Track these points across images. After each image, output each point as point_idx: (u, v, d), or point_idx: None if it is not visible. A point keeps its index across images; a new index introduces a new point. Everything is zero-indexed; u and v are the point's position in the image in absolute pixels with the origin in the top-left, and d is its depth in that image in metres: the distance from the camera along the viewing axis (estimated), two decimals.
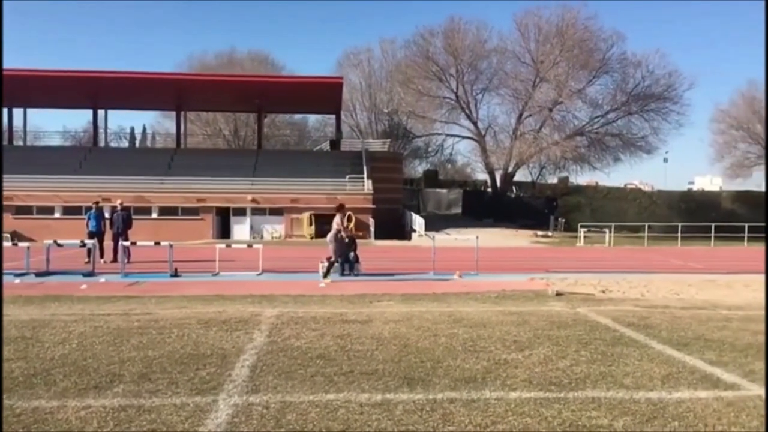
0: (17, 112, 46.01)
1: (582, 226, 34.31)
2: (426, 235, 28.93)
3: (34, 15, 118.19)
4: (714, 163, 65.01)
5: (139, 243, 16.61)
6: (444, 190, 57.04)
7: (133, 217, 19.86)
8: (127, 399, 5.23)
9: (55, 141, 50.71)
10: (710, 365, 6.52)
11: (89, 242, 16.53)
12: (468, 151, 56.22)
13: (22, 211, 33.25)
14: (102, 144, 48.48)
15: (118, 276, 14.49)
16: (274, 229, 35.33)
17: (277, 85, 42.96)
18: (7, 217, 31.24)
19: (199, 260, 18.35)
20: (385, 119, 55.95)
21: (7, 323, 8.30)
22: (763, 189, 69.48)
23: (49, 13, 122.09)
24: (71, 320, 8.71)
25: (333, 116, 49.29)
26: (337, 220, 14.96)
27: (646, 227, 35.45)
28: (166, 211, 34.58)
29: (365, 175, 37.47)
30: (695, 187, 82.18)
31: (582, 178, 54.27)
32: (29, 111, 49.01)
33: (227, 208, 35.35)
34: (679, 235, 33.28)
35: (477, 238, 17.28)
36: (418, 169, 63.26)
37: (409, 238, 34.41)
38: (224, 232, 34.98)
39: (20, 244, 18.82)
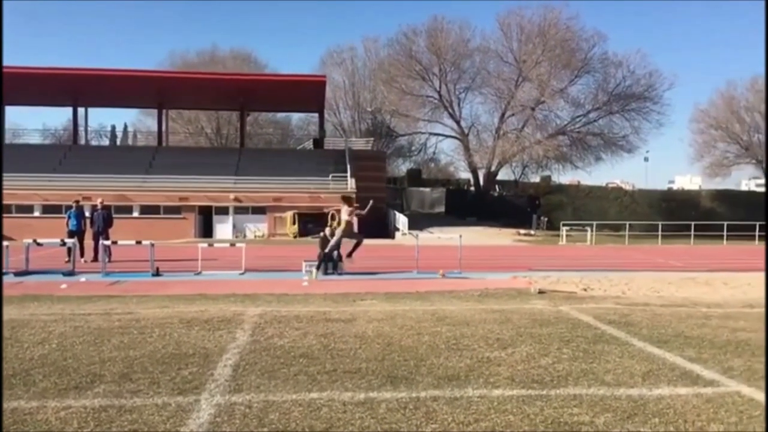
0: None
1: (564, 225, 34.54)
2: (409, 233, 29.00)
3: (13, 12, 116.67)
4: (693, 162, 65.73)
5: (120, 242, 16.46)
6: (427, 189, 57.18)
7: (114, 216, 19.70)
8: (108, 399, 5.18)
9: (35, 139, 50.06)
10: (690, 362, 6.60)
11: (69, 241, 16.35)
12: (451, 150, 56.44)
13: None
14: (82, 142, 47.96)
15: (99, 275, 14.34)
16: (257, 228, 35.20)
17: (259, 84, 42.79)
18: None
19: (181, 259, 18.23)
20: (368, 118, 55.96)
21: None
22: (742, 188, 70.53)
23: (28, 10, 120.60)
24: (51, 320, 8.61)
25: (316, 115, 49.19)
26: (345, 209, 14.79)
27: (627, 226, 35.79)
28: (148, 210, 34.31)
29: (348, 174, 37.44)
30: (675, 186, 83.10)
31: (564, 177, 54.76)
32: (8, 108, 48.34)
33: (210, 207, 35.14)
34: (659, 233, 33.62)
35: (460, 236, 17.33)
36: (401, 167, 63.37)
37: (392, 236, 34.45)
38: (207, 231, 34.78)
39: None
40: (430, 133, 52.14)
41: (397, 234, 34.17)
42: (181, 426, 4.58)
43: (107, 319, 8.81)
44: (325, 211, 24.64)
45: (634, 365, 6.41)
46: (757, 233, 34.18)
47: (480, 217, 44.31)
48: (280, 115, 62.90)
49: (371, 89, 54.18)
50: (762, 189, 63.93)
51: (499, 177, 51.31)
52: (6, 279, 13.71)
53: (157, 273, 14.73)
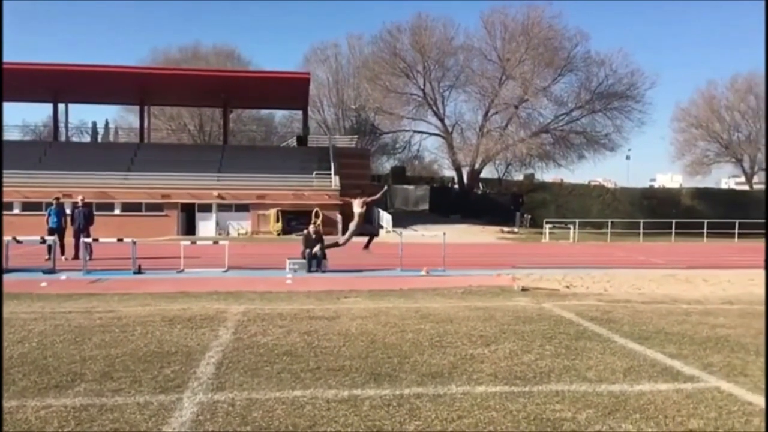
0: None
1: (547, 223, 34.77)
2: (393, 231, 28.99)
3: None
4: (674, 160, 66.67)
5: (101, 239, 16.30)
6: (411, 187, 57.20)
7: (95, 213, 19.50)
8: (89, 398, 5.13)
9: (15, 135, 49.32)
10: (670, 358, 6.67)
11: (50, 239, 16.16)
12: (435, 148, 56.51)
13: None
14: (63, 138, 47.42)
15: (80, 273, 14.21)
16: (241, 225, 35.02)
17: (243, 80, 42.55)
18: None
19: (163, 257, 18.10)
20: (352, 115, 55.85)
21: None
22: (721, 186, 71.34)
23: (8, 6, 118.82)
24: (31, 318, 8.51)
25: (300, 112, 49.00)
26: (357, 202, 14.72)
27: (609, 223, 36.08)
28: (130, 207, 34.00)
29: (332, 172, 37.36)
30: (656, 185, 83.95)
31: (547, 175, 55.12)
32: None
33: (192, 204, 34.89)
34: (641, 231, 33.94)
35: (444, 234, 17.37)
36: (385, 165, 63.33)
37: (376, 234, 34.41)
38: (189, 228, 34.54)
39: None
40: (414, 131, 52.25)
41: (381, 231, 34.16)
42: (163, 425, 4.55)
43: (88, 317, 8.73)
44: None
45: (615, 361, 6.47)
46: (736, 231, 34.61)
47: (464, 214, 44.44)
48: (264, 112, 62.60)
49: (355, 86, 54.06)
50: (741, 187, 64.77)
51: (483, 175, 51.51)
52: None
53: (138, 271, 14.62)
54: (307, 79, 40.44)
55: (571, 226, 33.17)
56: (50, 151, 39.42)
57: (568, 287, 12.83)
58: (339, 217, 34.38)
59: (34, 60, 33.33)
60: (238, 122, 59.07)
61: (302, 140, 45.56)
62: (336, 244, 14.89)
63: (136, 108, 47.80)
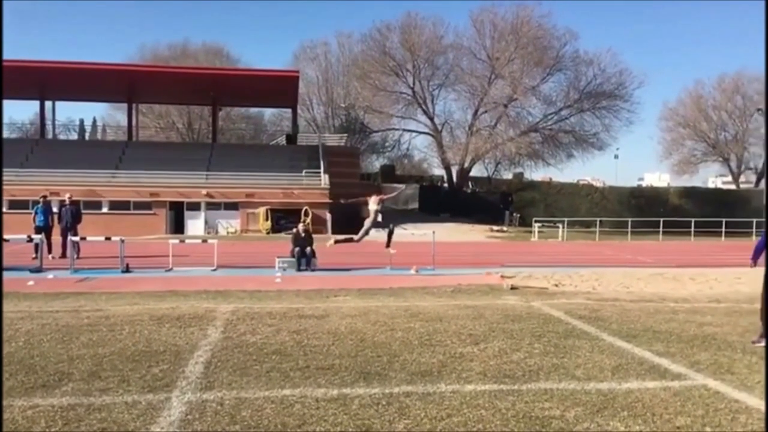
0: None
1: (536, 221, 34.90)
2: (383, 229, 28.99)
3: None
4: (662, 160, 67.14)
5: (89, 238, 16.21)
6: (401, 185, 57.19)
7: (83, 211, 19.36)
8: (77, 398, 5.09)
9: None
10: (658, 356, 6.71)
11: (36, 237, 16.02)
12: (425, 147, 56.61)
13: None
14: (50, 136, 47.09)
15: (67, 272, 14.11)
16: (230, 224, 34.91)
17: (232, 78, 42.41)
18: None
19: (151, 256, 18.01)
20: (341, 114, 55.79)
21: None
22: (709, 185, 71.85)
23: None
24: (18, 317, 8.44)
25: (289, 110, 48.90)
26: (373, 199, 14.68)
27: (598, 222, 36.27)
28: (118, 206, 33.81)
29: (322, 170, 37.31)
30: (644, 183, 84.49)
31: (536, 173, 55.31)
32: None
33: (181, 203, 34.73)
34: (629, 229, 34.14)
35: (434, 233, 17.38)
36: (375, 164, 63.28)
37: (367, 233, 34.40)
38: (178, 227, 34.39)
39: None
40: (404, 130, 52.31)
41: (372, 231, 34.13)
42: (151, 424, 4.52)
43: (76, 316, 8.67)
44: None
45: (603, 360, 6.50)
46: (723, 229, 34.88)
47: (453, 213, 44.51)
48: (253, 110, 62.37)
49: (345, 85, 54.03)
50: (728, 186, 65.27)
51: (472, 174, 51.66)
52: None
53: (127, 269, 14.54)
54: (297, 77, 40.36)
55: (560, 225, 33.32)
56: (37, 148, 39.12)
57: (556, 286, 12.88)
58: (328, 216, 34.35)
59: (21, 57, 32.98)
60: (227, 120, 58.83)
61: (291, 138, 45.48)
62: (351, 239, 14.86)
63: (124, 106, 47.52)
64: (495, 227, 38.92)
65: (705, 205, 47.57)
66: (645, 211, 44.02)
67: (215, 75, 41.95)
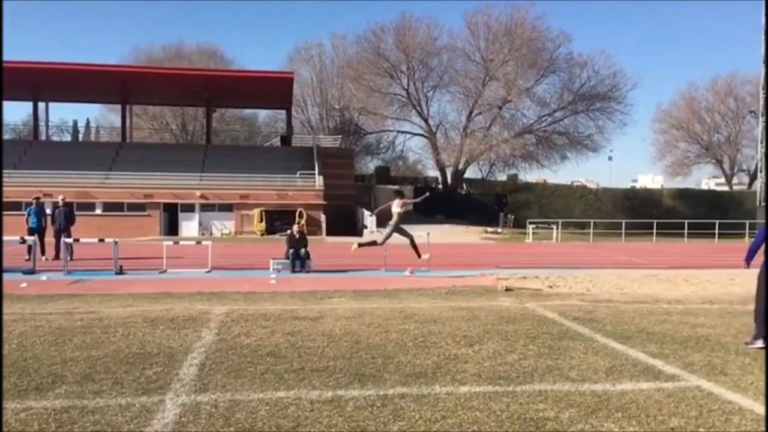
0: None
1: (530, 223, 34.94)
2: (378, 231, 28.97)
3: None
4: (656, 161, 67.45)
5: (82, 240, 16.13)
6: (396, 187, 57.22)
7: (76, 213, 19.31)
8: (70, 400, 5.07)
9: None
10: (652, 357, 6.72)
11: (30, 239, 15.97)
12: (419, 148, 56.71)
13: None
14: (43, 137, 46.85)
15: (61, 274, 14.05)
16: (224, 225, 34.85)
17: (226, 79, 42.38)
18: None
19: (145, 257, 17.96)
20: (336, 115, 55.79)
21: None
22: (702, 187, 72.17)
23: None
24: (11, 320, 8.40)
25: (284, 111, 48.87)
26: (397, 202, 14.64)
27: (592, 224, 36.35)
28: (111, 207, 33.71)
29: (316, 171, 37.30)
30: (638, 185, 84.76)
31: (530, 175, 55.49)
32: None
33: (175, 204, 34.66)
34: (622, 231, 34.21)
35: (428, 234, 17.39)
36: (369, 165, 63.29)
37: (360, 234, 34.41)
38: (172, 228, 34.31)
39: None
40: (399, 131, 52.35)
41: (365, 231, 34.14)
42: (145, 426, 4.51)
43: (69, 318, 8.64)
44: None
45: (598, 361, 6.52)
46: (716, 231, 35.00)
47: (448, 215, 44.53)
48: (247, 111, 62.31)
49: (339, 86, 54.03)
50: (721, 188, 65.56)
51: (467, 175, 51.72)
52: None
53: (120, 271, 14.49)
54: (291, 78, 40.34)
55: (554, 227, 33.38)
56: (30, 150, 38.96)
57: (551, 287, 12.89)
58: (323, 217, 34.34)
59: (14, 57, 32.85)
60: (222, 122, 58.75)
61: (286, 140, 45.46)
62: (374, 243, 14.81)
63: (118, 107, 47.40)
64: (489, 229, 38.97)
65: (698, 206, 47.77)
66: (639, 213, 44.17)
67: (209, 76, 41.90)
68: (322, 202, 35.37)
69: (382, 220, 20.26)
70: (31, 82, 38.76)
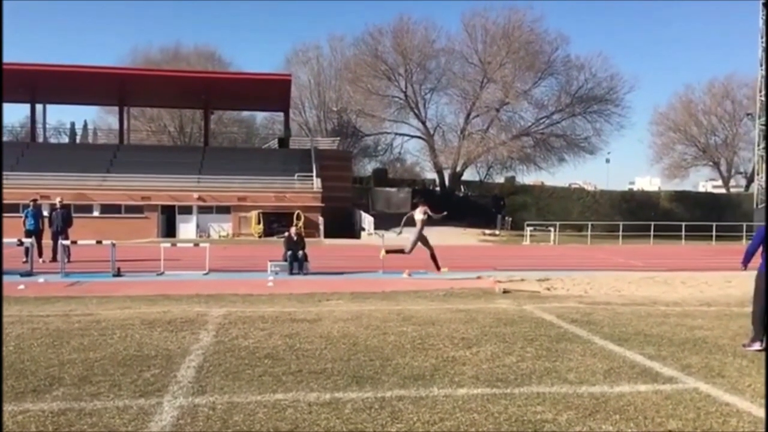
0: None
1: (528, 225, 34.98)
2: (375, 233, 28.98)
3: None
4: (653, 164, 67.52)
5: (80, 242, 16.11)
6: (393, 189, 57.19)
7: (74, 215, 19.29)
8: (67, 402, 5.06)
9: None
10: (649, 360, 6.73)
11: (27, 241, 15.94)
12: (417, 150, 56.71)
13: None
14: (40, 139, 46.76)
15: (58, 276, 14.03)
16: (222, 227, 34.81)
17: (224, 82, 42.33)
18: None
19: (143, 260, 17.94)
20: (334, 117, 55.78)
21: None
22: (699, 189, 72.28)
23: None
24: (8, 322, 8.37)
25: (281, 114, 48.81)
26: (420, 209, 14.60)
27: (590, 226, 36.40)
28: (109, 209, 33.64)
29: (314, 174, 37.29)
30: (635, 187, 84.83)
31: (528, 177, 55.50)
32: None
33: (173, 207, 34.61)
34: (620, 233, 34.26)
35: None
36: (367, 167, 63.24)
37: (358, 236, 34.42)
38: (170, 230, 34.26)
39: None
40: (396, 134, 52.35)
41: (363, 234, 34.16)
42: (143, 429, 4.50)
43: (66, 320, 8.62)
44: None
45: (595, 363, 6.52)
46: (714, 233, 35.07)
47: (445, 217, 44.48)
48: (245, 113, 62.24)
49: (337, 89, 54.02)
50: (718, 190, 65.68)
51: (464, 177, 51.74)
52: None
53: (118, 273, 14.46)
54: (289, 80, 40.33)
55: (552, 229, 33.41)
56: (27, 152, 38.87)
57: (548, 289, 12.90)
58: (321, 219, 34.33)
59: (11, 59, 32.79)
60: (219, 124, 58.70)
61: (284, 142, 45.43)
62: (401, 251, 14.76)
63: (116, 109, 47.33)
64: (487, 231, 38.98)
65: (695, 208, 47.86)
66: (636, 215, 44.22)
67: (207, 78, 41.87)
68: (319, 204, 35.35)
69: (384, 222, 20.23)
70: (29, 84, 38.69)
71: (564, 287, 13.30)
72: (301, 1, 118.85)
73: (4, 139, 51.69)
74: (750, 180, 58.31)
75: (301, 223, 30.07)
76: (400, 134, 52.08)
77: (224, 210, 35.05)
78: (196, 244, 19.65)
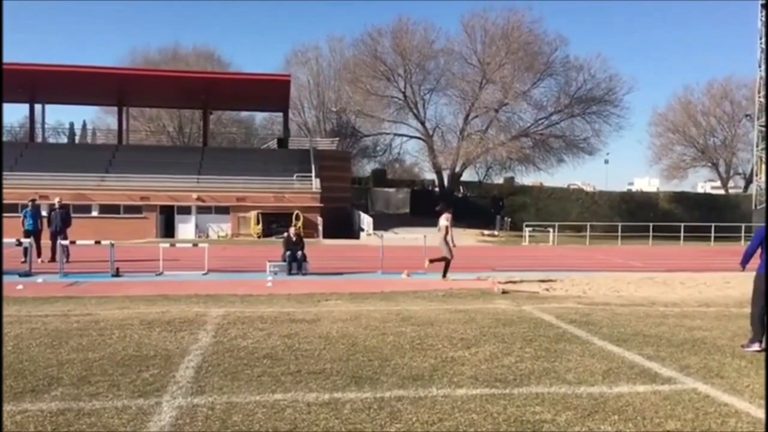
0: None
1: (527, 226, 34.97)
2: (374, 234, 28.98)
3: None
4: (652, 164, 67.53)
5: (78, 242, 16.10)
6: (392, 190, 57.22)
7: (73, 215, 19.27)
8: (66, 402, 5.06)
9: None
10: (648, 360, 6.74)
11: (26, 241, 15.92)
12: (416, 151, 56.66)
13: None
14: (39, 139, 46.71)
15: (57, 276, 14.01)
16: (220, 228, 34.78)
17: (223, 82, 42.31)
18: None
19: (142, 260, 17.93)
20: (333, 118, 55.77)
21: None
22: (698, 190, 72.34)
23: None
24: (7, 322, 8.36)
25: (280, 114, 48.78)
26: (445, 216, 14.59)
27: (588, 227, 36.40)
28: (108, 210, 33.60)
29: (313, 174, 37.27)
30: (634, 188, 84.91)
31: (527, 178, 55.53)
32: None
33: (172, 207, 34.57)
34: (619, 234, 34.27)
35: (425, 237, 17.39)
36: (366, 168, 63.29)
37: (357, 237, 34.41)
38: (168, 230, 34.21)
39: None
40: (395, 134, 52.33)
41: (362, 234, 34.14)
42: (141, 429, 4.50)
43: (65, 320, 8.62)
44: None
45: (594, 364, 6.53)
46: (712, 234, 35.09)
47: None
48: (244, 114, 62.25)
49: (336, 89, 54.02)
50: (716, 191, 65.73)
51: (464, 178, 51.72)
52: None
53: (116, 273, 14.46)
54: (288, 81, 40.30)
55: (551, 230, 33.41)
56: (26, 152, 38.83)
57: (547, 290, 12.91)
58: (320, 220, 34.32)
59: (10, 59, 32.76)
60: (218, 124, 58.70)
61: (283, 142, 45.41)
62: (444, 259, 14.72)
63: (115, 109, 47.28)
64: (486, 231, 38.97)
65: (694, 209, 47.86)
66: (635, 216, 44.22)
67: (206, 78, 41.84)
68: (318, 204, 35.34)
69: (383, 223, 20.20)
70: (28, 84, 38.64)
71: (563, 288, 13.31)
72: (300, 2, 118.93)
73: (4, 139, 51.72)
74: (749, 181, 58.35)
75: (300, 224, 30.04)
76: (399, 135, 52.11)
77: (223, 210, 35.02)
78: (195, 245, 19.64)
